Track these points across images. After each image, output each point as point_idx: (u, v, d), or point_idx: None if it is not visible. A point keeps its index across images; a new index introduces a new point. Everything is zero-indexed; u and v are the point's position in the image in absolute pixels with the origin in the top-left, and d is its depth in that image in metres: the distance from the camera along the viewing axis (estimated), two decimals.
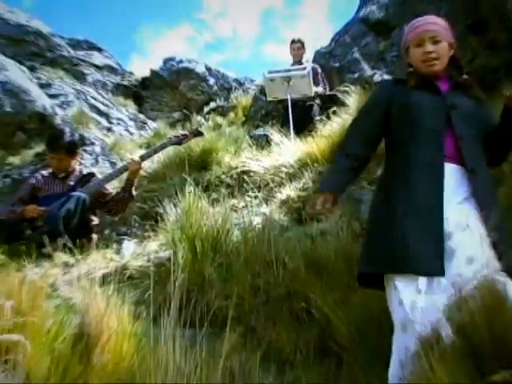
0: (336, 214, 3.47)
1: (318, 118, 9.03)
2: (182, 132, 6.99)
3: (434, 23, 3.21)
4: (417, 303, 2.72)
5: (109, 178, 5.91)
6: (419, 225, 2.86)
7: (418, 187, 2.96)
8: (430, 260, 2.74)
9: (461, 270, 2.62)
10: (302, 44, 10.16)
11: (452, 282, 2.58)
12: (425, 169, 2.98)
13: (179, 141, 6.49)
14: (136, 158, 5.99)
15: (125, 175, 5.93)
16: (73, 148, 5.97)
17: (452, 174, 2.93)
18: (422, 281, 2.72)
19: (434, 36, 3.14)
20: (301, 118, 8.79)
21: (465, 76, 3.22)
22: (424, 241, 2.80)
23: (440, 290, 2.66)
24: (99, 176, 5.96)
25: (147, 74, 16.42)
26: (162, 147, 6.48)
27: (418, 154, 3.03)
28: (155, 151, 6.41)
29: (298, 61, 9.98)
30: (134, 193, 5.88)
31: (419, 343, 2.53)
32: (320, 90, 9.55)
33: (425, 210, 2.88)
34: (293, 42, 10.15)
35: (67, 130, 6.43)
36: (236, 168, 7.11)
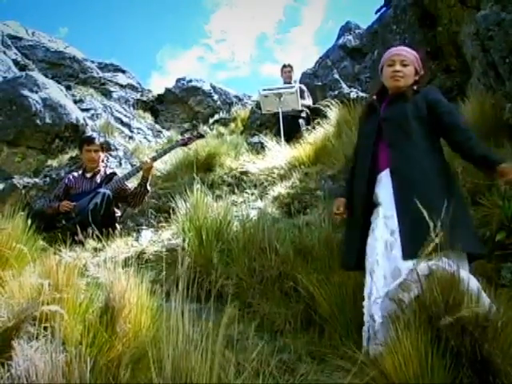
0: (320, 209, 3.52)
1: (304, 127, 9.06)
2: (187, 135, 7.01)
3: (406, 51, 3.31)
4: (366, 290, 2.84)
5: (127, 176, 5.91)
6: (353, 226, 3.10)
7: (355, 195, 3.17)
8: (348, 257, 3.01)
9: (399, 265, 2.69)
10: (292, 68, 10.37)
11: (392, 273, 2.71)
12: (360, 178, 3.14)
13: (185, 143, 6.48)
14: (148, 159, 6.00)
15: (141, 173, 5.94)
16: (103, 143, 6.09)
17: (387, 177, 2.97)
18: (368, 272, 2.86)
19: (403, 60, 3.23)
20: (290, 128, 8.80)
21: (415, 87, 3.24)
22: (353, 241, 3.02)
23: (380, 277, 2.74)
24: (120, 175, 5.97)
25: (163, 91, 16.39)
26: (171, 148, 6.48)
27: (358, 167, 3.25)
28: (165, 152, 6.39)
29: (288, 81, 10.07)
30: (148, 188, 5.88)
31: (385, 315, 2.58)
32: (306, 102, 9.62)
33: (358, 211, 3.09)
34: (284, 66, 10.36)
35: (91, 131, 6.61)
36: (236, 169, 7.11)
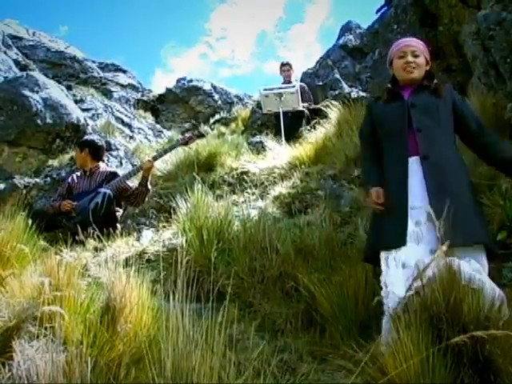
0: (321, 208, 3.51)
1: (304, 127, 9.05)
2: (188, 134, 7.01)
3: (415, 41, 3.30)
4: (390, 278, 2.78)
5: (128, 175, 5.92)
6: (391, 211, 2.91)
7: (390, 180, 3.03)
8: (395, 237, 2.80)
9: (423, 258, 2.61)
10: (290, 66, 10.28)
11: (416, 265, 2.61)
12: (395, 164, 3.03)
13: (185, 142, 6.49)
14: (149, 158, 6.03)
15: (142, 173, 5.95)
16: (80, 144, 6.05)
17: (418, 164, 2.93)
18: (395, 259, 2.78)
19: (414, 50, 3.21)
20: (290, 128, 8.78)
21: (435, 81, 3.23)
22: (392, 223, 2.87)
23: (407, 269, 2.69)
24: (121, 174, 5.98)
25: (164, 90, 16.39)
26: (172, 148, 6.49)
27: (390, 152, 3.11)
28: (165, 151, 6.40)
29: (287, 80, 10.02)
30: (149, 187, 5.92)
31: (389, 314, 2.57)
32: (307, 105, 9.53)
33: (394, 197, 2.92)
34: (282, 65, 10.26)
35: (91, 133, 6.57)
36: (236, 169, 7.10)
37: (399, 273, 2.73)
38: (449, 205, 2.56)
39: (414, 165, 2.94)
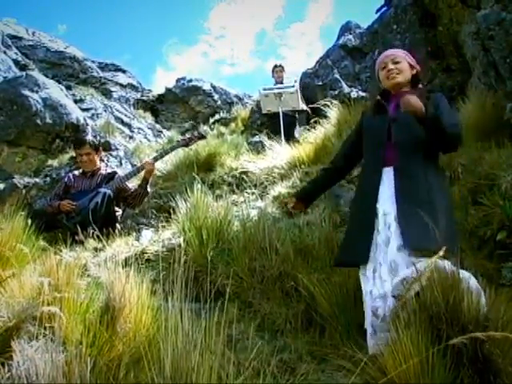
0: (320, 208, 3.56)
1: (303, 127, 9.05)
2: (188, 135, 6.99)
3: (393, 50, 3.45)
4: (367, 287, 2.85)
5: (128, 176, 5.89)
6: (358, 223, 3.06)
7: (363, 190, 3.16)
8: (360, 252, 2.89)
9: (394, 258, 2.70)
10: (283, 68, 10.47)
11: (389, 268, 2.71)
12: (370, 174, 3.12)
13: (186, 143, 6.47)
14: (150, 159, 6.01)
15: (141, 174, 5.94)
16: (97, 146, 6.03)
17: (391, 173, 2.98)
18: (369, 269, 2.85)
19: (393, 58, 3.31)
20: (290, 128, 8.78)
21: (420, 86, 3.28)
22: (359, 236, 2.97)
23: (382, 274, 2.75)
24: (121, 174, 5.96)
25: (163, 90, 16.39)
26: (172, 149, 6.46)
27: (367, 163, 3.26)
28: (166, 152, 6.37)
29: (279, 81, 10.11)
30: (149, 189, 5.88)
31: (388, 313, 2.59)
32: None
33: (364, 207, 3.02)
34: (275, 66, 10.50)
35: (90, 131, 6.52)
36: (236, 169, 7.09)
37: (376, 281, 2.78)
38: (415, 209, 2.64)
39: (388, 174, 3.00)
